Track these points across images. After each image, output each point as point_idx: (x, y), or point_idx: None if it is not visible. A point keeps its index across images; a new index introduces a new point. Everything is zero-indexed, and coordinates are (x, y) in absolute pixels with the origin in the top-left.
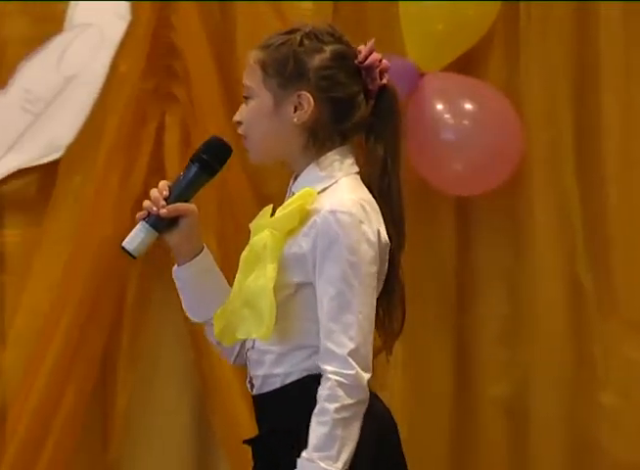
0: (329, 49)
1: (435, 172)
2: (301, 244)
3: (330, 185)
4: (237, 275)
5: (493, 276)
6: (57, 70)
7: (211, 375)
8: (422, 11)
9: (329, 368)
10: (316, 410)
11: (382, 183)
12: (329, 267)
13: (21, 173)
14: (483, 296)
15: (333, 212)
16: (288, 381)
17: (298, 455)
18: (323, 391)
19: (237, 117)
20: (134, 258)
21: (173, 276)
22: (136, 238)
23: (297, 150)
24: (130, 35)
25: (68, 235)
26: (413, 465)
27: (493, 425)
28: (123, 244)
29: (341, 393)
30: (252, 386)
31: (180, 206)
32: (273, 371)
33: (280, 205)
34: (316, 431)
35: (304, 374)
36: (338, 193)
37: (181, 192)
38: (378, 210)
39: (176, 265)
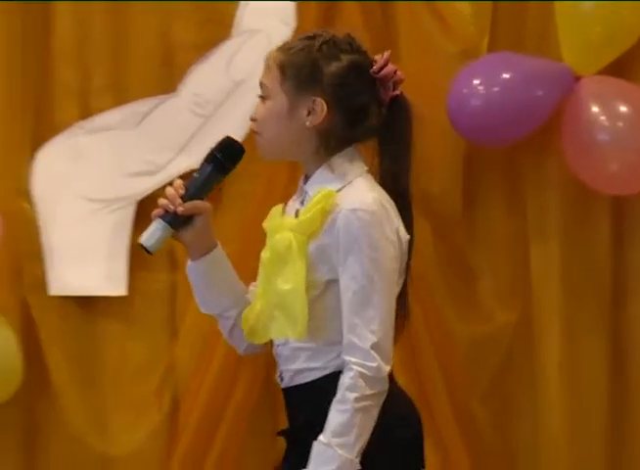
0: (346, 58)
1: (591, 173)
2: (324, 242)
3: (344, 185)
4: (260, 276)
5: None
6: (226, 74)
7: None
8: (578, 13)
9: (352, 359)
10: (337, 398)
11: (393, 187)
12: (351, 264)
13: (191, 174)
14: (639, 295)
15: (354, 211)
16: (321, 375)
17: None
18: (345, 380)
19: (252, 115)
20: (150, 253)
21: (187, 271)
22: (153, 235)
23: (308, 152)
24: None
25: (236, 235)
26: (571, 465)
27: None
28: (141, 240)
29: (362, 383)
30: (282, 379)
31: (196, 203)
32: (308, 366)
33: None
34: (335, 418)
35: (337, 369)
36: (357, 192)
37: (196, 191)
38: (395, 207)
39: (190, 261)
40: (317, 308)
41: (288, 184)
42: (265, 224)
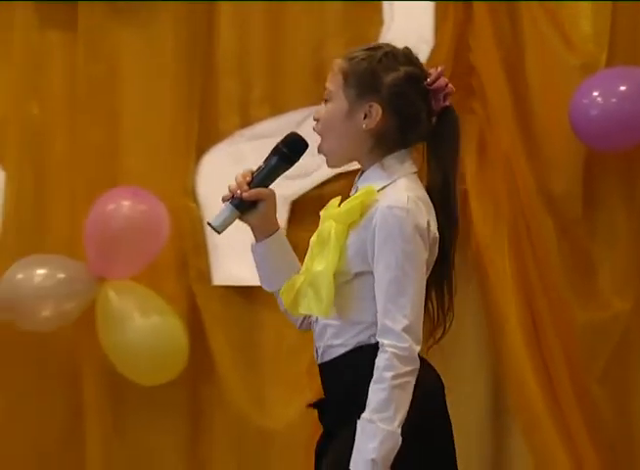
0: (403, 70)
1: None
2: (361, 236)
3: (389, 183)
4: (306, 257)
5: None
6: None
7: (505, 351)
8: None
9: (386, 342)
10: (375, 378)
11: (441, 190)
12: (386, 256)
13: (339, 176)
14: None
15: (390, 208)
16: (343, 351)
17: (352, 415)
18: (381, 362)
19: (315, 115)
20: (219, 233)
21: (251, 250)
22: (221, 216)
23: (363, 151)
24: (435, 58)
25: None
26: None
27: None
28: (210, 221)
29: (396, 363)
30: (317, 355)
31: (261, 190)
32: (333, 342)
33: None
34: (375, 396)
35: (358, 345)
36: (396, 191)
37: (262, 179)
38: (431, 206)
39: (254, 242)
40: (344, 291)
41: None
42: (321, 212)
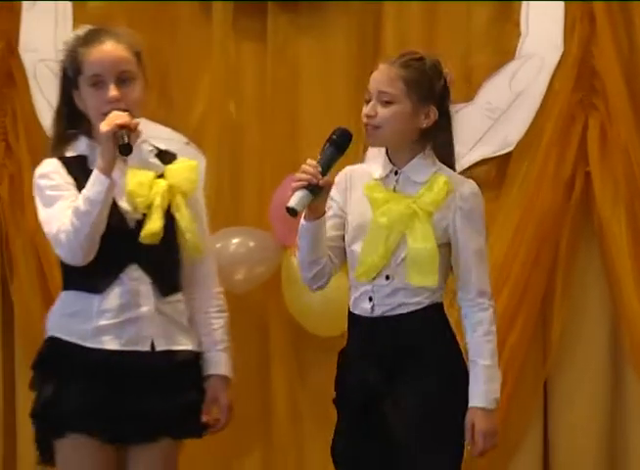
0: (443, 77)
1: None
2: (444, 215)
3: (436, 170)
4: (373, 235)
5: None
6: (509, 87)
7: (621, 303)
8: None
9: (487, 301)
10: (485, 331)
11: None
12: (472, 229)
13: (484, 162)
14: None
15: (473, 192)
16: (418, 308)
17: (425, 358)
18: (486, 317)
19: (371, 112)
20: (295, 216)
21: (302, 228)
22: (300, 201)
23: (408, 143)
24: (563, 62)
25: (517, 207)
26: None
27: None
28: (291, 205)
29: (494, 316)
30: (372, 311)
31: (328, 178)
32: (408, 301)
33: None
34: (489, 345)
35: (431, 303)
36: (459, 178)
37: (326, 168)
38: None
39: (305, 221)
40: None
41: None
42: (369, 194)
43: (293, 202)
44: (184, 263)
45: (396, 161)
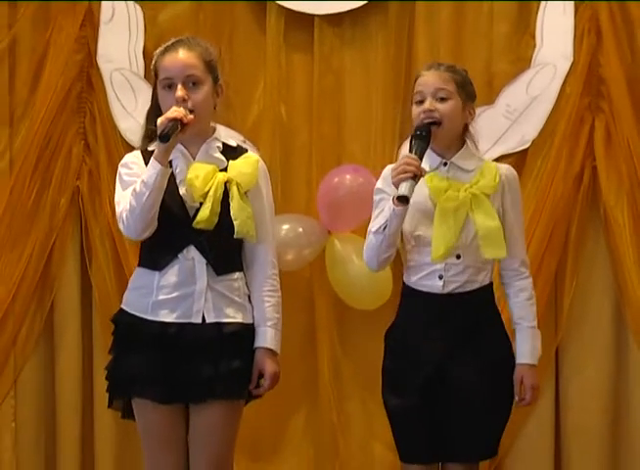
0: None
1: None
2: (495, 197)
3: (481, 158)
4: (441, 217)
5: None
6: (526, 92)
7: (624, 283)
8: None
9: (527, 271)
10: (527, 296)
11: None
12: (517, 207)
13: (503, 157)
14: None
15: (513, 173)
16: (478, 286)
17: (486, 327)
18: (528, 284)
19: (431, 107)
20: (408, 203)
21: (393, 213)
22: (410, 189)
23: (456, 136)
24: (573, 70)
25: (532, 197)
26: None
27: None
28: (405, 193)
29: (533, 284)
30: (444, 287)
31: (424, 168)
32: (474, 278)
33: None
34: (532, 309)
35: (490, 282)
36: (496, 163)
37: (420, 160)
38: None
39: (396, 206)
40: None
41: None
42: (430, 184)
43: (405, 190)
44: (245, 247)
45: (444, 153)
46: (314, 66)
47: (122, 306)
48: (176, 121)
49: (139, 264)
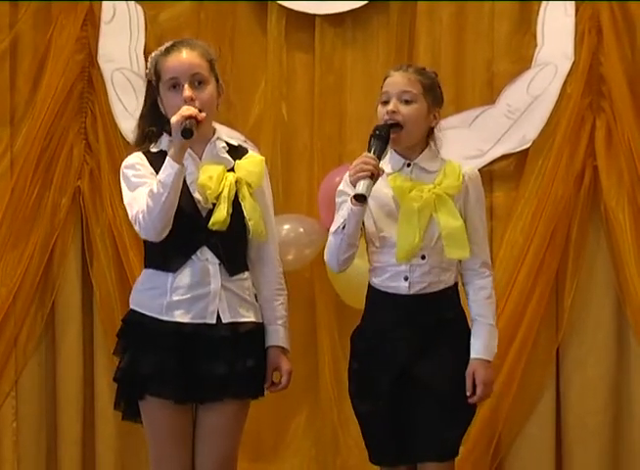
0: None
1: None
2: (458, 196)
3: (443, 159)
4: (406, 217)
5: None
6: (527, 91)
7: (624, 281)
8: None
9: (487, 270)
10: (487, 295)
11: None
12: (480, 208)
13: (504, 157)
14: None
15: (475, 173)
16: (444, 286)
17: (451, 327)
18: (489, 284)
19: (395, 108)
20: (365, 202)
21: (352, 213)
22: (367, 188)
23: (419, 139)
24: (574, 70)
25: (534, 196)
26: None
27: None
28: (362, 192)
29: (493, 283)
30: (410, 288)
31: (382, 168)
32: (438, 279)
33: None
34: (492, 307)
35: (454, 282)
36: (459, 163)
37: (379, 159)
38: None
39: (354, 206)
40: None
41: None
42: (394, 184)
43: (362, 189)
44: (250, 247)
45: (407, 154)
46: (315, 65)
47: (133, 307)
48: (192, 119)
49: (147, 266)
